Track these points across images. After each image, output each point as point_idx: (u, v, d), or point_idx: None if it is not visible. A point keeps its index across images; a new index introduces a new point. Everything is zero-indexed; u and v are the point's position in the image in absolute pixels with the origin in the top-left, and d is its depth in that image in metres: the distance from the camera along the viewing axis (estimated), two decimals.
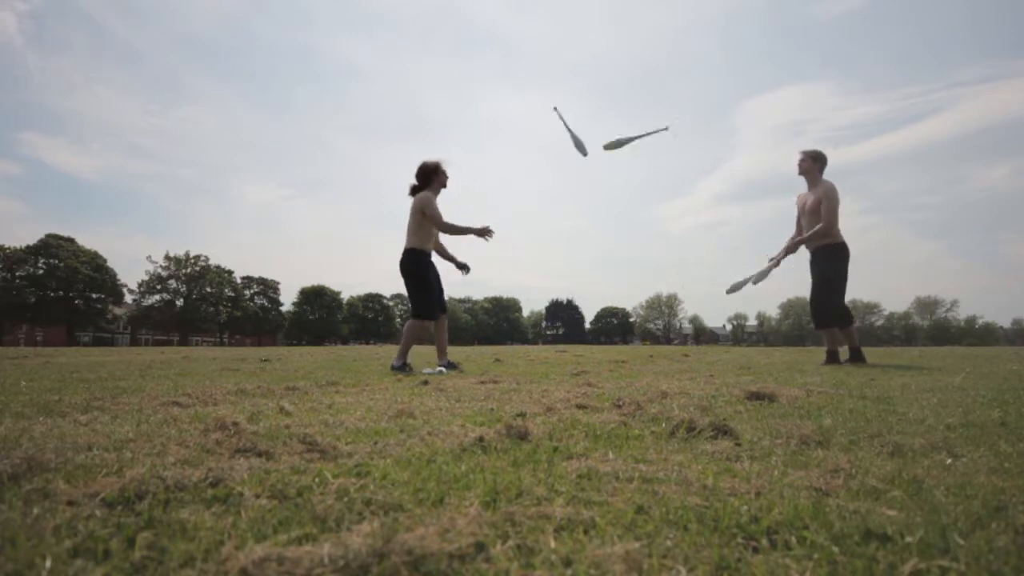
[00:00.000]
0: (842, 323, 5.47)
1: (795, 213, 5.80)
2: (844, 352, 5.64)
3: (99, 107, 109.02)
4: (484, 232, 5.01)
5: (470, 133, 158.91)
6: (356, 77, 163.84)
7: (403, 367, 4.87)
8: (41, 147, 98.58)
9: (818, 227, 5.39)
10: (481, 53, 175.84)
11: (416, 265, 5.01)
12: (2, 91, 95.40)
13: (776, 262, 5.71)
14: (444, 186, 5.17)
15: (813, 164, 5.54)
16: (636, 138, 5.09)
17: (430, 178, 5.10)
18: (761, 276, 5.64)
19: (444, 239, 5.33)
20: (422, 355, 6.63)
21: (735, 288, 5.76)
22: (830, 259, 5.43)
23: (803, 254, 5.70)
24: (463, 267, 5.30)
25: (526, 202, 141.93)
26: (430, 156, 5.17)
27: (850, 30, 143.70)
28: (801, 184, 5.70)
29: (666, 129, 5.09)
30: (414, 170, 5.15)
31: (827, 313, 5.44)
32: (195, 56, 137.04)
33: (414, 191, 5.14)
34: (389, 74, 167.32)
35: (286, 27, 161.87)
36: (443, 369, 4.80)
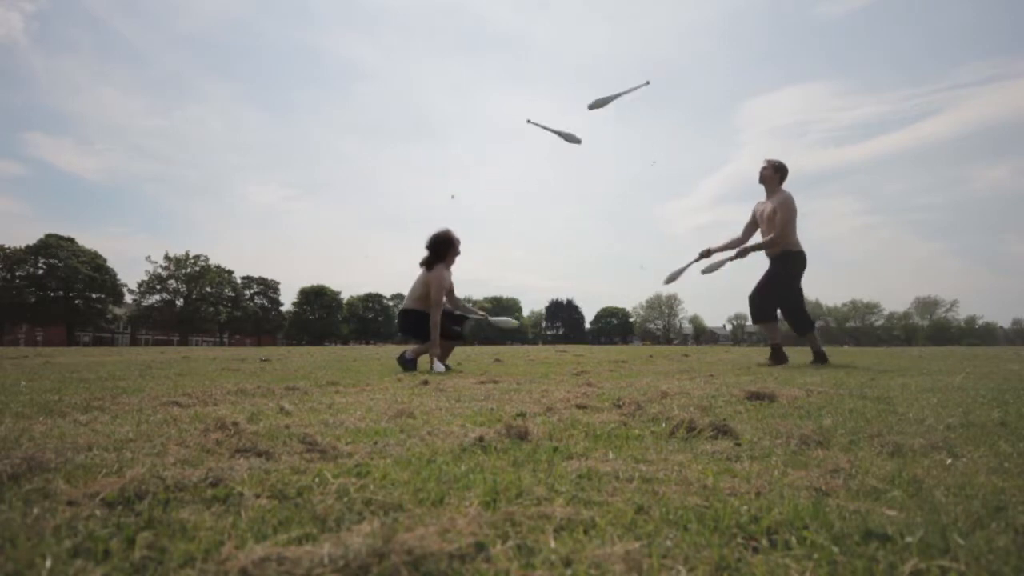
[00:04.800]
0: (766, 319, 5.57)
1: (748, 219, 5.86)
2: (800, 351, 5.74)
3: (103, 108, 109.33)
4: (433, 345, 5.01)
5: (472, 133, 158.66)
6: (360, 78, 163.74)
7: (411, 363, 4.98)
8: (46, 147, 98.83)
9: (770, 236, 5.47)
10: (484, 54, 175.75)
11: (419, 325, 5.14)
12: (8, 91, 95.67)
13: (720, 263, 5.81)
14: (458, 253, 5.25)
15: (774, 174, 5.61)
16: (619, 95, 5.22)
17: (445, 252, 5.15)
18: (679, 271, 5.74)
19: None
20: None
21: (672, 277, 5.84)
22: (783, 263, 5.52)
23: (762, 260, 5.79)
24: (465, 323, 5.35)
25: (527, 202, 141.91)
26: (439, 227, 5.21)
27: (852, 30, 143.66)
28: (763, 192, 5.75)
29: (647, 83, 5.33)
30: (425, 242, 5.19)
31: (762, 312, 5.55)
32: (199, 57, 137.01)
33: (427, 263, 5.16)
34: (393, 75, 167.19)
35: (291, 28, 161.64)
36: (442, 368, 4.83)
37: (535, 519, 0.91)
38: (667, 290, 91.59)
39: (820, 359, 5.54)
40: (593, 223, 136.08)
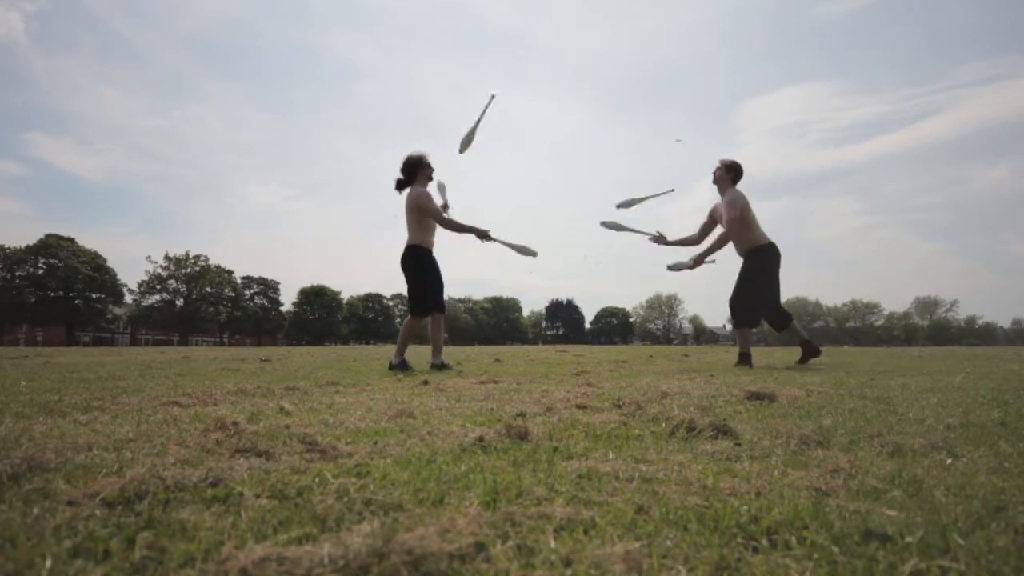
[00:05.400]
0: (751, 322, 5.59)
1: (704, 221, 5.91)
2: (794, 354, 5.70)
3: (103, 108, 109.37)
4: (484, 235, 5.02)
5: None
6: (360, 78, 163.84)
7: (402, 364, 4.88)
8: (46, 147, 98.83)
9: (719, 235, 5.59)
10: (484, 54, 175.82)
11: (416, 261, 5.00)
12: (8, 91, 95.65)
13: (690, 266, 5.89)
14: (430, 179, 5.16)
15: (726, 174, 5.64)
16: (645, 199, 5.78)
17: (416, 172, 5.07)
18: (676, 268, 5.88)
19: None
20: (422, 354, 6.64)
21: (615, 225, 5.92)
22: (750, 260, 5.54)
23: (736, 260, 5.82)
24: (485, 235, 5.13)
25: (527, 202, 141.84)
26: (413, 150, 5.17)
27: (852, 30, 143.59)
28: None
29: (672, 191, 6.02)
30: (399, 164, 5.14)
31: (746, 313, 5.56)
32: (199, 57, 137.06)
33: (400, 185, 5.12)
34: (393, 75, 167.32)
35: (291, 28, 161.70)
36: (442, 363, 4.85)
37: (535, 519, 0.91)
38: (667, 290, 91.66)
39: (810, 351, 5.51)
40: (593, 223, 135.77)
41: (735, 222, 5.44)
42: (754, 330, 5.77)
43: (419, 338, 5.26)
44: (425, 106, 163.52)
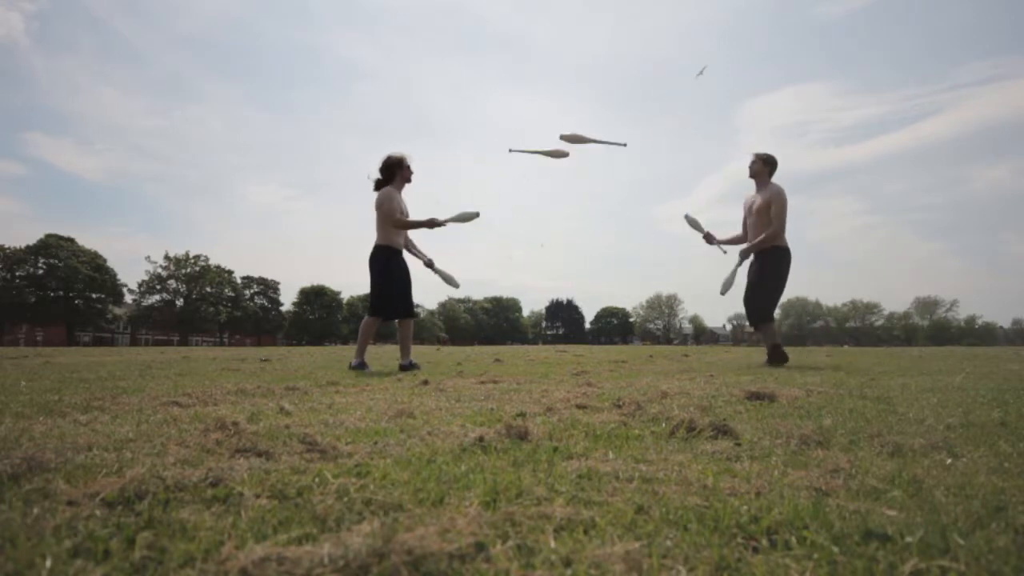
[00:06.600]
0: (766, 320, 5.58)
1: (742, 215, 5.87)
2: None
3: (103, 108, 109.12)
4: (432, 224, 5.00)
5: (474, 133, 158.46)
6: (360, 78, 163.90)
7: (360, 365, 4.87)
8: (46, 147, 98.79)
9: (768, 232, 5.46)
10: (484, 54, 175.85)
11: (383, 263, 4.99)
12: (8, 91, 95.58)
13: (725, 249, 5.88)
14: (408, 180, 5.15)
15: (764, 167, 5.60)
16: (593, 141, 5.42)
17: (393, 172, 5.06)
18: (730, 279, 5.80)
19: (413, 234, 5.32)
20: (424, 354, 6.67)
21: (727, 286, 5.85)
22: (774, 262, 5.50)
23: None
24: (429, 264, 5.31)
25: (527, 202, 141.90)
26: (395, 150, 5.16)
27: (852, 30, 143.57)
28: (750, 186, 5.77)
29: (624, 145, 5.58)
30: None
31: (762, 312, 5.56)
32: (199, 57, 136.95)
33: (379, 186, 5.10)
34: (393, 75, 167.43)
35: (291, 28, 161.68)
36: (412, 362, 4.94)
37: (535, 519, 0.91)
38: (667, 290, 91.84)
39: (778, 355, 5.44)
40: (593, 223, 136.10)
41: (781, 217, 5.42)
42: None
43: (381, 337, 5.24)
44: (425, 106, 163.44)
